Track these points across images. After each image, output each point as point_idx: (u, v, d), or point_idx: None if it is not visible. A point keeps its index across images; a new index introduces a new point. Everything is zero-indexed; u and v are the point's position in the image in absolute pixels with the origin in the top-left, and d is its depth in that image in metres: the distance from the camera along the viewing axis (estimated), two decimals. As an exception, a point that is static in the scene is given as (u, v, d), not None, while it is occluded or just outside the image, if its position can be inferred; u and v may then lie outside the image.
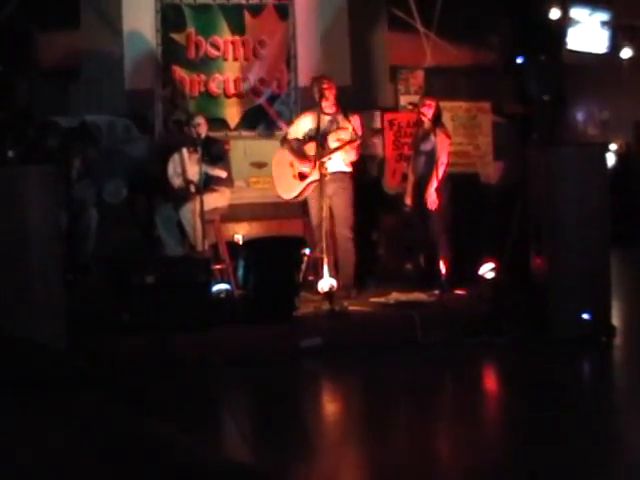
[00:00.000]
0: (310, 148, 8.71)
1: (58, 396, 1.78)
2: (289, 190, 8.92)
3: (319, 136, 8.65)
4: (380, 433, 5.76)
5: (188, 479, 1.42)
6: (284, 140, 9.08)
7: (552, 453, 5.03)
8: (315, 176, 8.66)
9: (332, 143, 8.64)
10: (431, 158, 8.75)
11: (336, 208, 8.77)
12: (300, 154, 8.80)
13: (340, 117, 8.74)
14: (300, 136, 8.89)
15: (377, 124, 10.43)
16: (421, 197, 8.87)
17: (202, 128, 8.91)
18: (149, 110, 9.80)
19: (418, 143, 9.08)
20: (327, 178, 8.58)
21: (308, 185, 8.79)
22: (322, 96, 8.66)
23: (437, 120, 8.92)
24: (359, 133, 8.59)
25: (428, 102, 8.99)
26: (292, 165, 8.85)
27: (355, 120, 8.74)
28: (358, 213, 8.92)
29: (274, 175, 9.12)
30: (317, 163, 8.57)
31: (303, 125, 8.93)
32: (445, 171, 8.84)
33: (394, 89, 10.67)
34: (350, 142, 8.54)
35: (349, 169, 8.82)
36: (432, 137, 8.75)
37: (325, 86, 8.69)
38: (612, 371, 7.51)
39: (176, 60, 9.91)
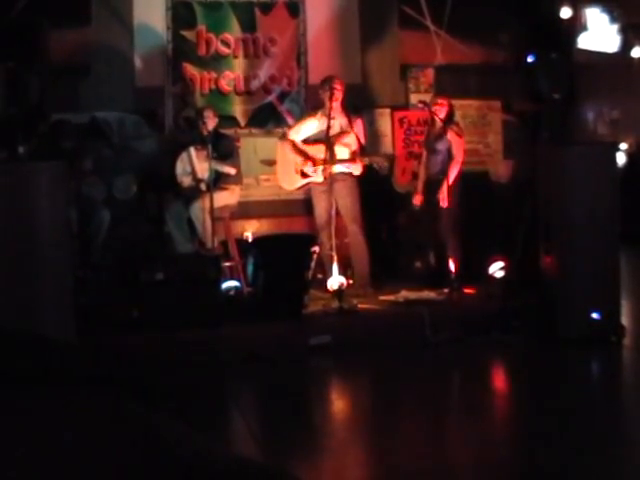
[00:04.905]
0: (317, 150, 8.69)
1: (70, 393, 1.78)
2: (289, 182, 8.97)
3: (327, 139, 8.61)
4: (389, 431, 5.76)
5: (198, 476, 1.42)
6: (283, 137, 9.09)
7: (559, 452, 5.02)
8: (318, 178, 8.67)
9: (337, 147, 8.63)
10: (446, 157, 8.75)
11: (343, 206, 8.76)
12: (304, 155, 8.79)
13: (344, 120, 8.74)
14: (300, 140, 8.89)
15: (387, 123, 10.42)
16: (433, 195, 8.86)
17: (210, 121, 8.92)
18: (159, 107, 9.80)
19: (431, 142, 9.06)
20: (329, 179, 8.59)
21: (308, 183, 8.81)
22: (332, 97, 8.60)
23: (450, 119, 8.93)
24: (362, 142, 8.63)
25: (440, 102, 9.00)
26: (297, 162, 8.86)
27: (358, 124, 8.76)
28: (367, 211, 8.92)
29: (278, 162, 9.15)
30: (324, 167, 8.56)
31: (305, 129, 8.92)
32: (460, 170, 8.85)
33: (404, 87, 10.66)
34: (354, 160, 8.58)
35: (355, 172, 8.80)
36: (446, 136, 8.75)
37: (337, 87, 8.65)
38: (621, 371, 7.50)
39: (186, 57, 9.91)
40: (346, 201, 8.74)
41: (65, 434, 1.52)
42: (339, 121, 8.74)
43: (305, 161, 8.78)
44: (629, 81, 13.04)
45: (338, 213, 8.73)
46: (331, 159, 8.55)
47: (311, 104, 9.89)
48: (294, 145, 8.88)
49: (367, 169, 8.73)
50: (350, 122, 8.72)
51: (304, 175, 8.81)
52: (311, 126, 8.89)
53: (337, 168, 8.62)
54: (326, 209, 8.63)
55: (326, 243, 8.60)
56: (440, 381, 6.95)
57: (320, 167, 8.62)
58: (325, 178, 8.56)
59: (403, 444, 5.47)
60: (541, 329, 7.76)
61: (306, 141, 8.87)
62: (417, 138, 10.25)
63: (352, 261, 8.90)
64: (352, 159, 8.62)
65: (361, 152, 8.67)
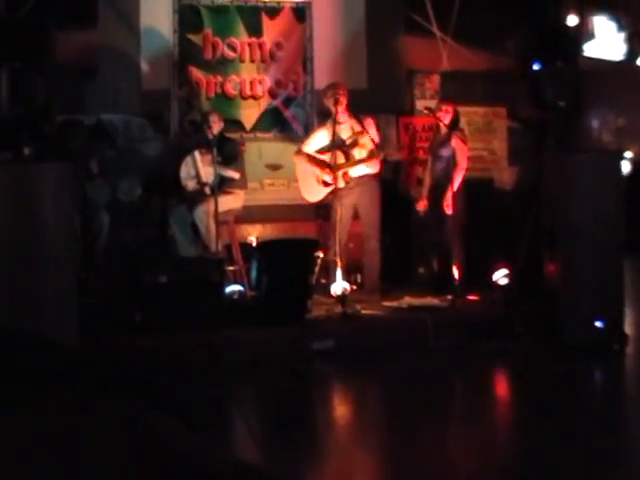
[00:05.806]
0: (332, 157, 8.70)
1: (70, 393, 1.78)
2: (314, 194, 8.98)
3: (339, 145, 8.64)
4: (391, 436, 5.76)
5: (198, 476, 1.42)
6: (299, 152, 9.10)
7: (561, 459, 5.01)
8: (339, 184, 8.67)
9: (354, 150, 8.66)
10: (449, 163, 8.74)
11: (363, 211, 8.83)
12: (321, 163, 8.82)
13: (354, 122, 8.76)
14: (313, 151, 8.92)
15: (392, 129, 10.42)
16: (437, 201, 8.87)
17: (216, 125, 8.93)
18: (165, 110, 9.81)
19: (436, 148, 9.08)
20: (352, 184, 8.63)
21: (332, 191, 8.84)
22: (337, 102, 8.64)
23: (455, 125, 8.93)
24: (377, 141, 8.63)
25: (445, 108, 9.02)
26: (316, 173, 8.89)
27: (370, 124, 8.77)
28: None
29: (299, 177, 9.15)
30: (341, 172, 8.60)
31: (318, 140, 8.94)
32: (463, 176, 8.86)
33: (410, 93, 10.66)
34: (371, 158, 8.59)
35: (373, 170, 8.81)
36: (450, 142, 8.74)
37: (340, 92, 8.68)
38: (624, 379, 7.48)
39: (193, 61, 9.92)
40: (368, 209, 8.82)
41: (65, 434, 1.52)
42: (349, 124, 8.77)
43: (323, 170, 8.80)
44: (635, 89, 13.04)
45: (358, 218, 8.79)
46: (347, 162, 8.60)
47: (317, 109, 9.90)
48: (309, 157, 8.92)
49: (383, 164, 8.77)
50: (361, 123, 8.73)
51: (326, 184, 8.82)
52: (322, 136, 8.91)
53: (356, 171, 8.65)
54: (336, 213, 8.65)
55: (331, 248, 8.62)
56: (442, 387, 6.94)
57: (340, 172, 8.64)
58: (347, 182, 8.60)
59: (405, 449, 5.45)
60: (544, 336, 7.75)
61: (321, 150, 8.89)
62: (422, 144, 10.26)
63: (363, 267, 8.96)
64: (369, 157, 8.63)
65: (377, 149, 8.67)
